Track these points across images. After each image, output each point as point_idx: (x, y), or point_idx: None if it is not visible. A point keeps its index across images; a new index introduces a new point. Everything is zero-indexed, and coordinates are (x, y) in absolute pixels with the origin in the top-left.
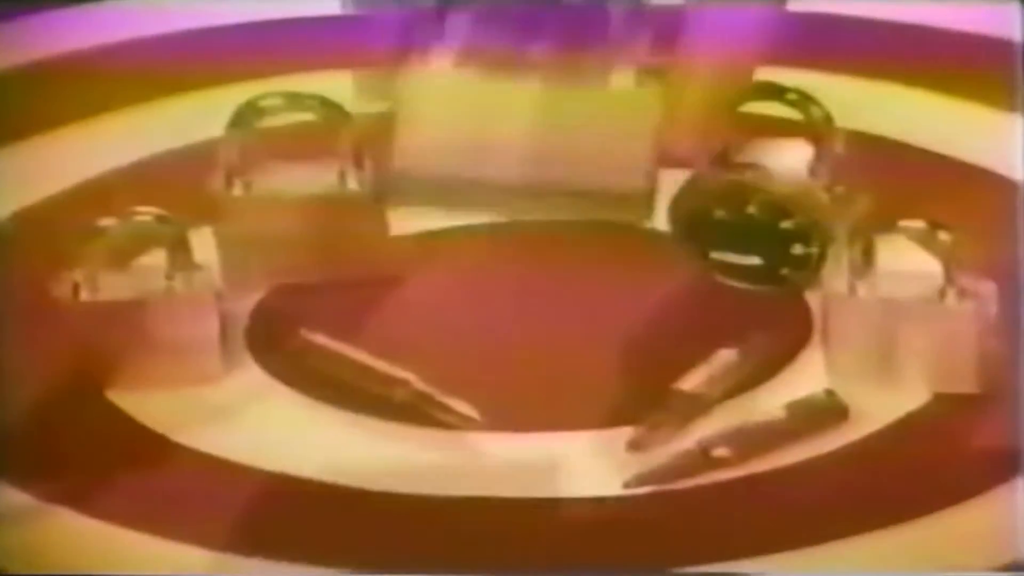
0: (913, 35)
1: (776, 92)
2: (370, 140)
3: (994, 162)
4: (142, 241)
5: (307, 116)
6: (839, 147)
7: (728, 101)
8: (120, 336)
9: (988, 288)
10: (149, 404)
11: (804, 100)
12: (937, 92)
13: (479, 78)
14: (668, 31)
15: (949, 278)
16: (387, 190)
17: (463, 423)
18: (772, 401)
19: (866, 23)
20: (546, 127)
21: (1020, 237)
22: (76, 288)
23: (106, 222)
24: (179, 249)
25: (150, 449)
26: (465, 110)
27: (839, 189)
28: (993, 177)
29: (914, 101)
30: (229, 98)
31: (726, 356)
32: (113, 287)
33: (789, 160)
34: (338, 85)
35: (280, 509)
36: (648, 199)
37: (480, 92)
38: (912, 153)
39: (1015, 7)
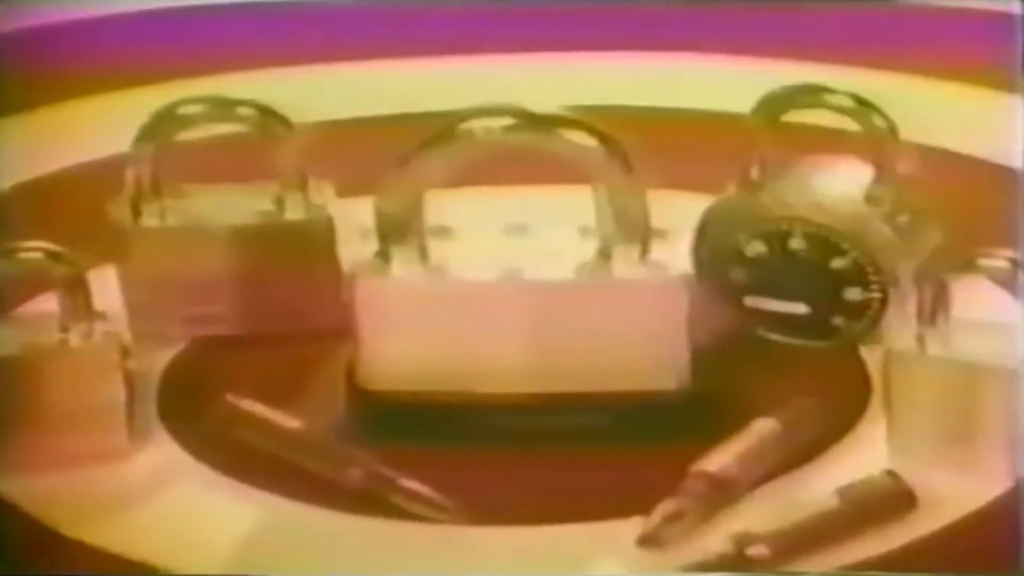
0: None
1: (822, 95)
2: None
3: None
4: (29, 283)
5: (237, 127)
6: (904, 166)
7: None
8: (1, 403)
9: None
10: (37, 489)
11: (861, 106)
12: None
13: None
14: None
15: None
16: (353, 421)
17: (432, 513)
18: (820, 485)
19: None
20: (546, 331)
21: None
22: None
23: None
24: (75, 293)
25: (39, 546)
26: (442, 319)
27: (903, 219)
28: None
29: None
30: (140, 103)
31: (763, 427)
32: None
33: (841, 182)
34: (277, 87)
35: None
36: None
37: (458, 297)
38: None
39: (1015, 6)
